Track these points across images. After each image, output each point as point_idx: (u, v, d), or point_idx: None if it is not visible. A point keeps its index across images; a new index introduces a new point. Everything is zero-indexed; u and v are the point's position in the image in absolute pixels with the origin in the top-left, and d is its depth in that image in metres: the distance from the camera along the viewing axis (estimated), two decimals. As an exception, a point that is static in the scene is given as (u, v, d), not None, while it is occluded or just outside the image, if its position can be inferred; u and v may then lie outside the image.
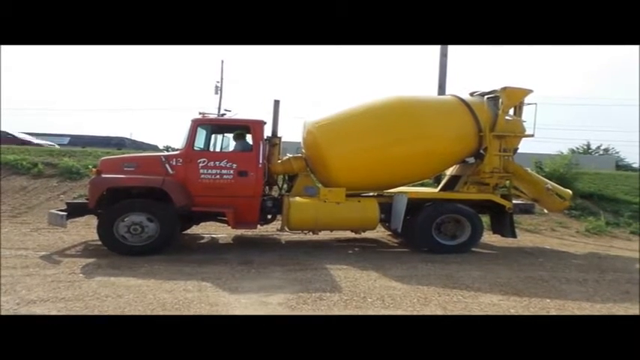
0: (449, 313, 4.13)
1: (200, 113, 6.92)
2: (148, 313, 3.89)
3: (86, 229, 7.73)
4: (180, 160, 6.44)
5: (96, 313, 3.84)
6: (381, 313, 4.07)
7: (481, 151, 7.34)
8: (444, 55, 12.12)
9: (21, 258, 5.70)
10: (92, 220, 7.08)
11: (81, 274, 5.04)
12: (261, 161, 6.57)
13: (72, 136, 33.54)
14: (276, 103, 7.02)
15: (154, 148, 33.40)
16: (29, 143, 18.24)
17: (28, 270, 5.15)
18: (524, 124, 7.54)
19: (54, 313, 3.81)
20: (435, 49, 12.63)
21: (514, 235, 7.48)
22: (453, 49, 12.55)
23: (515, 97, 7.39)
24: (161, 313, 3.88)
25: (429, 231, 6.89)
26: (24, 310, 3.82)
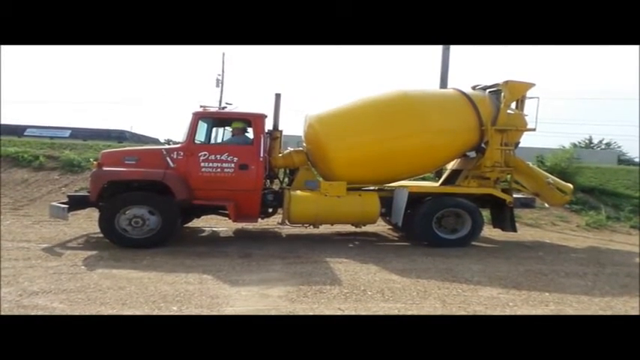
0: (448, 307, 4.15)
1: (201, 106, 6.91)
2: (150, 304, 3.92)
3: (88, 221, 7.76)
4: (181, 154, 6.44)
5: (98, 304, 3.87)
6: (380, 306, 4.10)
7: (482, 145, 7.33)
8: (446, 49, 12.05)
9: (23, 250, 5.73)
10: (94, 213, 7.11)
11: (83, 266, 5.08)
12: (262, 155, 6.58)
13: (73, 129, 33.59)
14: (277, 96, 7.01)
15: (155, 141, 33.38)
16: None
17: (30, 262, 5.19)
18: (526, 117, 7.51)
19: (56, 304, 3.84)
20: (436, 46, 12.54)
21: (514, 229, 7.49)
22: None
23: (517, 91, 7.36)
24: (162, 305, 3.91)
25: (429, 225, 6.90)
26: (26, 302, 3.86)
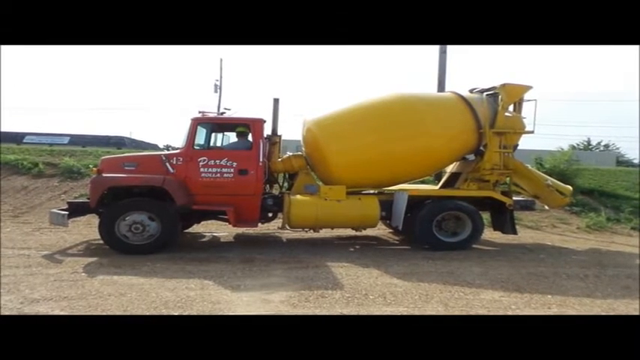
0: (450, 310, 4.14)
1: (200, 112, 6.93)
2: (151, 311, 3.91)
3: (88, 228, 7.75)
4: (181, 159, 6.45)
5: (99, 311, 3.86)
6: (382, 310, 4.09)
7: (481, 148, 7.35)
8: (443, 52, 12.08)
9: (24, 257, 5.72)
10: (93, 220, 7.09)
11: (83, 273, 5.06)
12: (261, 159, 6.58)
13: (72, 136, 33.55)
14: (276, 101, 7.03)
15: (154, 147, 33.42)
16: None
17: (30, 269, 5.17)
18: (524, 120, 7.54)
19: (57, 311, 3.83)
20: (434, 48, 12.60)
21: (515, 232, 7.49)
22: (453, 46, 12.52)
23: (515, 94, 7.39)
24: (164, 312, 3.90)
25: (429, 228, 6.90)
26: (28, 309, 3.84)
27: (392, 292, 4.60)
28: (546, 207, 8.90)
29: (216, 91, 29.47)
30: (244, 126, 6.81)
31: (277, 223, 7.30)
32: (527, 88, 7.44)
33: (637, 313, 4.21)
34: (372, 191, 7.32)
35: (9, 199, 9.90)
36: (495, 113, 7.24)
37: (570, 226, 9.90)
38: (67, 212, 6.31)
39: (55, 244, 6.62)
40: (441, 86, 11.90)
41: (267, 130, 6.94)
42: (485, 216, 7.68)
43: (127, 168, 6.43)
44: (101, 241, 6.23)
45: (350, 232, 7.83)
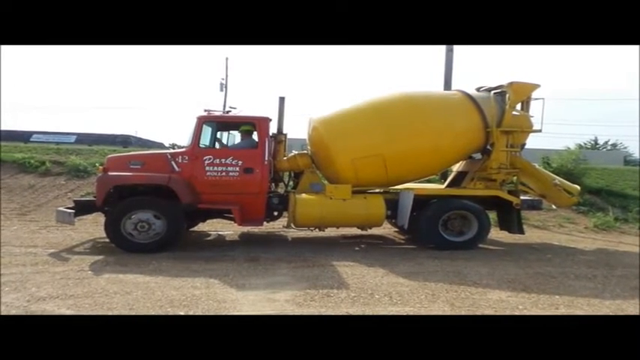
0: (457, 310, 4.11)
1: (205, 110, 6.93)
2: (157, 309, 3.91)
3: (94, 226, 7.78)
4: (186, 158, 6.45)
5: (105, 309, 3.87)
6: (388, 310, 4.07)
7: (488, 147, 7.30)
8: (449, 51, 12.01)
9: (30, 255, 5.75)
10: (100, 218, 7.12)
11: (89, 271, 5.08)
12: (266, 158, 6.58)
13: (78, 135, 33.82)
14: (282, 100, 7.02)
15: (160, 145, 33.55)
16: None
17: (37, 267, 5.20)
18: (531, 119, 7.47)
19: (63, 309, 3.84)
20: (440, 46, 12.53)
21: (522, 232, 7.43)
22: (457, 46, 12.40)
23: (523, 92, 7.33)
24: (169, 310, 3.90)
25: (435, 227, 6.86)
26: (34, 308, 3.86)
27: (398, 292, 4.58)
28: (554, 206, 8.83)
29: (221, 90, 29.47)
30: (250, 124, 6.80)
31: (282, 221, 7.29)
32: (535, 86, 7.37)
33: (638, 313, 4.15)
34: (377, 190, 7.29)
35: (16, 197, 9.98)
36: (503, 112, 7.17)
37: (578, 225, 9.81)
38: (73, 210, 6.34)
39: (61, 243, 6.65)
40: (448, 85, 11.83)
41: (273, 129, 6.94)
42: (492, 215, 7.62)
43: (132, 166, 6.44)
44: (107, 240, 6.25)
45: (355, 231, 7.80)
